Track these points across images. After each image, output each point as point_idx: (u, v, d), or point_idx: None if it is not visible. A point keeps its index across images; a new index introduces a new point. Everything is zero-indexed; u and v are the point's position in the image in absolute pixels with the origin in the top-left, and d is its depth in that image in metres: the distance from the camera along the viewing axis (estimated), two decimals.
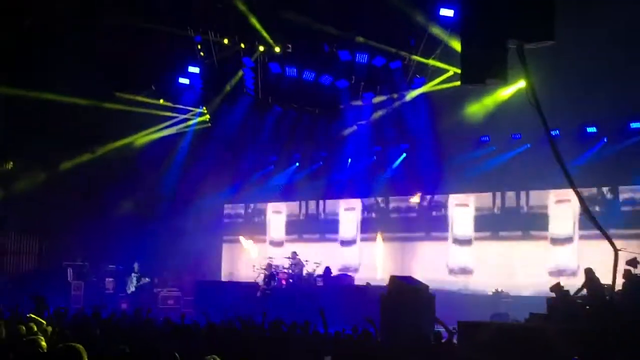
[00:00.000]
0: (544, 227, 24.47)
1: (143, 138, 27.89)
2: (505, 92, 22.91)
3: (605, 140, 23.62)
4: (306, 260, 26.72)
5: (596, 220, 11.82)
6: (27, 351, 7.63)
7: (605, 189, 22.57)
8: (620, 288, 15.71)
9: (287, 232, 30.63)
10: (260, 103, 27.51)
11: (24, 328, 10.75)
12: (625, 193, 23.16)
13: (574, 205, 22.07)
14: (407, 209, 27.89)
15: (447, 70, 23.60)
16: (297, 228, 30.50)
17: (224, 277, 30.81)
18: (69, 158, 26.83)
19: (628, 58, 19.48)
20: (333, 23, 23.01)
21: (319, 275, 26.26)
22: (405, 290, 17.18)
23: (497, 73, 8.74)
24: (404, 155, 27.75)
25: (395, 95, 25.89)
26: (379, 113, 26.63)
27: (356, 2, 22.99)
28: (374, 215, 28.77)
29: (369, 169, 28.58)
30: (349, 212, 29.26)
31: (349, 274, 27.01)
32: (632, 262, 17.11)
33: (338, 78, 25.67)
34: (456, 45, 21.40)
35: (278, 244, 30.51)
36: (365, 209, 28.90)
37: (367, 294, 22.29)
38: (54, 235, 27.51)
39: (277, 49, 24.51)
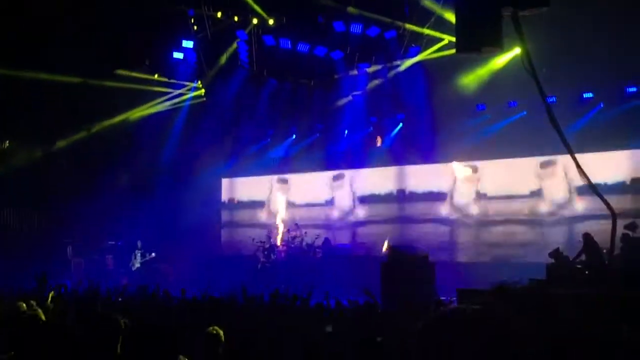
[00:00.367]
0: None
1: (139, 114, 27.83)
2: (500, 60, 22.90)
3: (601, 105, 23.67)
4: (305, 232, 26.79)
5: (594, 186, 11.82)
6: (27, 326, 7.67)
7: (602, 154, 22.55)
8: (618, 252, 15.79)
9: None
10: (255, 76, 27.43)
11: (24, 305, 10.81)
12: (622, 157, 23.20)
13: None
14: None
15: (442, 39, 23.54)
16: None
17: (223, 251, 30.87)
18: (65, 136, 26.83)
19: (624, 23, 19.42)
20: None
21: (318, 247, 26.36)
22: (404, 259, 17.23)
23: (492, 41, 8.71)
24: (401, 125, 27.78)
25: (390, 64, 25.85)
26: (374, 82, 26.62)
27: None
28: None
29: (365, 140, 28.61)
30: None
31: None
32: (630, 226, 17.21)
33: (333, 49, 25.60)
34: (450, 15, 21.39)
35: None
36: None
37: (367, 263, 22.34)
38: (53, 213, 27.53)
39: (271, 22, 24.41)
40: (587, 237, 17.70)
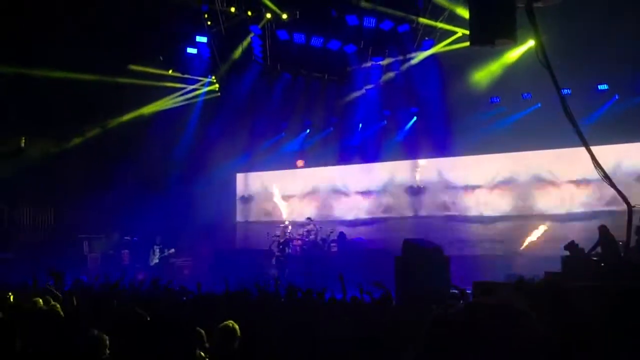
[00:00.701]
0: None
1: (153, 109, 27.89)
2: (514, 53, 22.86)
3: (616, 97, 23.59)
4: (320, 227, 26.83)
5: (609, 178, 11.78)
6: (46, 319, 7.73)
7: (617, 146, 22.45)
8: (634, 244, 15.74)
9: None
10: (269, 70, 27.47)
11: (41, 301, 10.89)
12: (638, 150, 23.11)
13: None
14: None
15: (456, 32, 23.50)
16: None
17: (238, 245, 30.93)
18: (80, 133, 26.94)
19: (638, 14, 19.33)
20: None
21: (333, 241, 26.38)
22: (418, 253, 17.23)
23: (506, 33, 8.70)
24: (415, 118, 27.77)
25: (403, 57, 25.82)
26: (388, 76, 26.62)
27: None
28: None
29: (379, 133, 28.60)
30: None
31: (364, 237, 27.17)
32: None
33: (346, 43, 25.59)
34: (462, 10, 21.38)
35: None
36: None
37: (382, 257, 22.32)
38: (69, 209, 27.63)
39: (285, 16, 24.40)
40: (602, 229, 17.65)
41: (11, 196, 26.41)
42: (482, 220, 26.15)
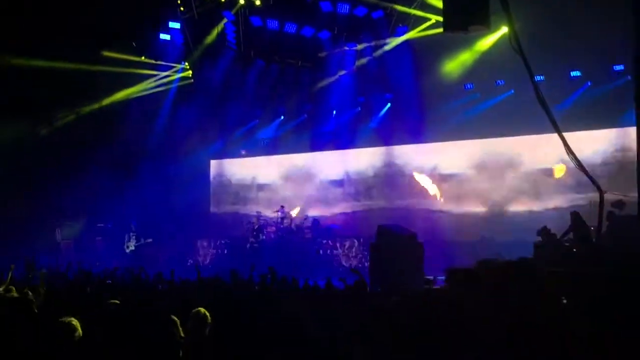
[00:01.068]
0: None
1: (127, 96, 27.70)
2: (488, 40, 22.92)
3: (589, 83, 23.73)
4: (294, 213, 26.86)
5: (581, 164, 11.87)
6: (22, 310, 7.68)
7: (590, 132, 22.59)
8: (605, 230, 15.85)
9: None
10: (242, 57, 27.34)
11: (14, 290, 10.81)
12: (610, 136, 23.26)
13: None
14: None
15: (429, 19, 23.51)
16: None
17: (212, 232, 30.87)
18: (54, 119, 26.73)
19: (610, 1, 19.42)
20: None
21: (307, 227, 26.41)
22: (393, 239, 17.27)
23: (479, 20, 8.72)
24: (389, 105, 27.79)
25: (377, 44, 25.78)
26: (362, 61, 26.58)
27: None
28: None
29: (353, 120, 28.61)
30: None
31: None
32: (617, 204, 17.27)
33: (320, 29, 25.53)
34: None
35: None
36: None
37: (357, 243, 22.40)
38: (42, 195, 27.41)
39: (258, 2, 24.27)
40: (575, 215, 17.76)
41: None
42: (456, 206, 26.23)
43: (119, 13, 23.49)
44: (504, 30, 19.88)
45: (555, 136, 11.56)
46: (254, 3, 24.36)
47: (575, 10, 20.13)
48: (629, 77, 20.88)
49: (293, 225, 26.63)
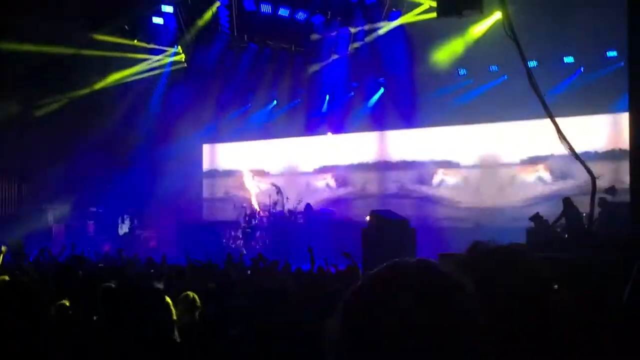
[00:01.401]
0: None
1: (119, 80, 27.61)
2: (481, 25, 22.90)
3: (582, 69, 23.74)
4: (287, 198, 26.84)
5: (574, 150, 11.86)
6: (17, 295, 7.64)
7: (582, 118, 22.60)
8: (597, 216, 15.89)
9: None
10: (235, 41, 27.27)
11: (6, 277, 10.75)
12: (603, 122, 23.29)
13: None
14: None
15: (422, 3, 23.47)
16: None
17: (204, 216, 30.89)
18: (45, 103, 26.63)
19: None
20: None
21: (300, 212, 26.40)
22: (385, 225, 17.29)
23: (472, 4, 8.70)
24: (382, 89, 27.75)
25: (370, 28, 25.72)
26: (354, 46, 26.53)
27: None
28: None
29: (346, 105, 28.57)
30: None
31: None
32: (609, 191, 17.31)
33: (313, 13, 25.48)
34: None
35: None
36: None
37: (349, 229, 22.38)
38: (34, 179, 27.39)
39: None
40: (567, 201, 17.80)
41: None
42: (450, 191, 26.26)
43: None
44: (497, 15, 19.86)
45: (548, 121, 11.55)
46: None
47: None
48: (622, 63, 20.88)
49: (286, 210, 26.62)
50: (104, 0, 23.54)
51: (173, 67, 28.48)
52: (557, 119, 11.32)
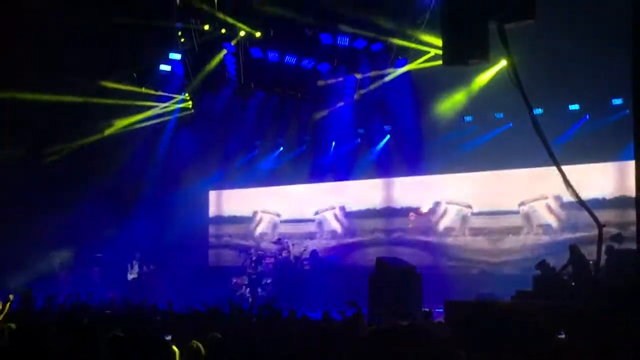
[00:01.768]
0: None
1: (127, 127, 27.74)
2: (487, 73, 23.02)
3: (587, 117, 23.78)
4: (293, 244, 26.83)
5: (580, 198, 11.88)
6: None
7: (588, 166, 22.59)
8: (604, 264, 15.84)
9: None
10: (242, 88, 27.42)
11: (13, 325, 10.72)
12: (609, 169, 23.27)
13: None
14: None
15: (429, 52, 23.63)
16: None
17: (211, 262, 30.83)
18: (54, 148, 26.74)
19: (609, 35, 19.51)
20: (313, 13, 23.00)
21: (305, 259, 26.35)
22: (391, 271, 17.27)
23: (479, 53, 8.75)
24: (388, 136, 27.81)
25: (377, 75, 25.84)
26: (360, 93, 26.64)
27: None
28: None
29: (352, 152, 28.62)
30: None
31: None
32: (615, 238, 17.26)
33: (320, 62, 25.67)
34: (427, 37, 21.69)
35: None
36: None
37: (355, 275, 22.33)
38: (40, 224, 27.35)
39: (258, 34, 24.40)
40: (573, 248, 17.73)
41: None
42: (456, 238, 26.18)
43: (120, 43, 23.63)
44: (503, 63, 19.99)
45: (553, 169, 11.57)
46: (254, 35, 24.49)
47: (574, 43, 20.22)
48: (627, 111, 20.94)
49: (292, 257, 26.59)
50: (114, 49, 23.70)
51: (180, 114, 28.61)
52: (563, 167, 11.35)
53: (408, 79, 25.23)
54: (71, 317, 12.31)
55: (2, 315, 11.34)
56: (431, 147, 25.41)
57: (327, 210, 29.21)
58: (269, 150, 30.36)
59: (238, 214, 31.19)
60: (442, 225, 26.45)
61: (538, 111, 19.65)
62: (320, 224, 29.23)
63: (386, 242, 27.18)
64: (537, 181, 23.75)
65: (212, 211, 31.89)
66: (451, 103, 24.54)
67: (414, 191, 27.19)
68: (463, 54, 8.92)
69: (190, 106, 28.52)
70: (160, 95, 27.52)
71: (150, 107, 27.81)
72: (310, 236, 28.91)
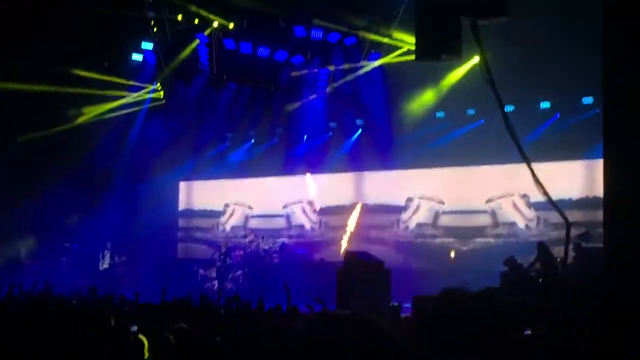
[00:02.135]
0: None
1: (97, 115, 27.52)
2: (459, 69, 23.09)
3: (558, 115, 23.93)
4: (262, 237, 26.79)
5: (549, 195, 11.93)
6: None
7: (558, 164, 22.73)
8: (571, 261, 15.97)
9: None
10: (214, 79, 27.31)
11: None
12: (578, 167, 23.44)
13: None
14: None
15: (402, 47, 23.67)
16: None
17: (180, 254, 30.70)
18: (22, 136, 26.48)
19: (580, 34, 19.62)
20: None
21: (275, 251, 26.35)
22: (360, 266, 17.28)
23: (451, 49, 8.75)
24: (360, 130, 27.82)
25: (349, 68, 25.84)
26: (333, 85, 26.62)
27: None
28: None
29: (325, 145, 28.60)
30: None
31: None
32: (583, 236, 17.41)
33: (293, 54, 25.62)
34: (399, 34, 21.73)
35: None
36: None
37: (324, 269, 22.35)
38: (8, 213, 27.09)
39: (231, 25, 24.32)
40: (541, 246, 17.87)
41: None
42: (425, 233, 26.27)
43: (91, 32, 23.45)
44: (475, 59, 20.05)
45: (523, 166, 11.62)
46: (227, 26, 24.40)
47: (546, 41, 20.34)
48: (598, 110, 21.08)
49: (261, 249, 26.57)
50: (85, 36, 23.50)
51: (151, 104, 28.44)
52: (533, 164, 11.40)
53: (381, 74, 25.28)
54: (38, 304, 12.23)
55: None
56: (403, 142, 25.45)
57: (295, 203, 29.17)
58: (241, 141, 30.25)
59: (208, 206, 31.08)
60: (414, 221, 26.52)
61: (509, 108, 19.74)
62: (290, 216, 29.19)
63: (356, 236, 27.17)
64: (506, 178, 23.87)
65: (182, 202, 31.75)
66: (424, 99, 24.61)
67: (385, 185, 27.21)
68: (435, 50, 8.92)
69: (162, 96, 28.36)
70: (132, 85, 27.33)
71: (121, 97, 27.62)
72: (280, 229, 28.88)
